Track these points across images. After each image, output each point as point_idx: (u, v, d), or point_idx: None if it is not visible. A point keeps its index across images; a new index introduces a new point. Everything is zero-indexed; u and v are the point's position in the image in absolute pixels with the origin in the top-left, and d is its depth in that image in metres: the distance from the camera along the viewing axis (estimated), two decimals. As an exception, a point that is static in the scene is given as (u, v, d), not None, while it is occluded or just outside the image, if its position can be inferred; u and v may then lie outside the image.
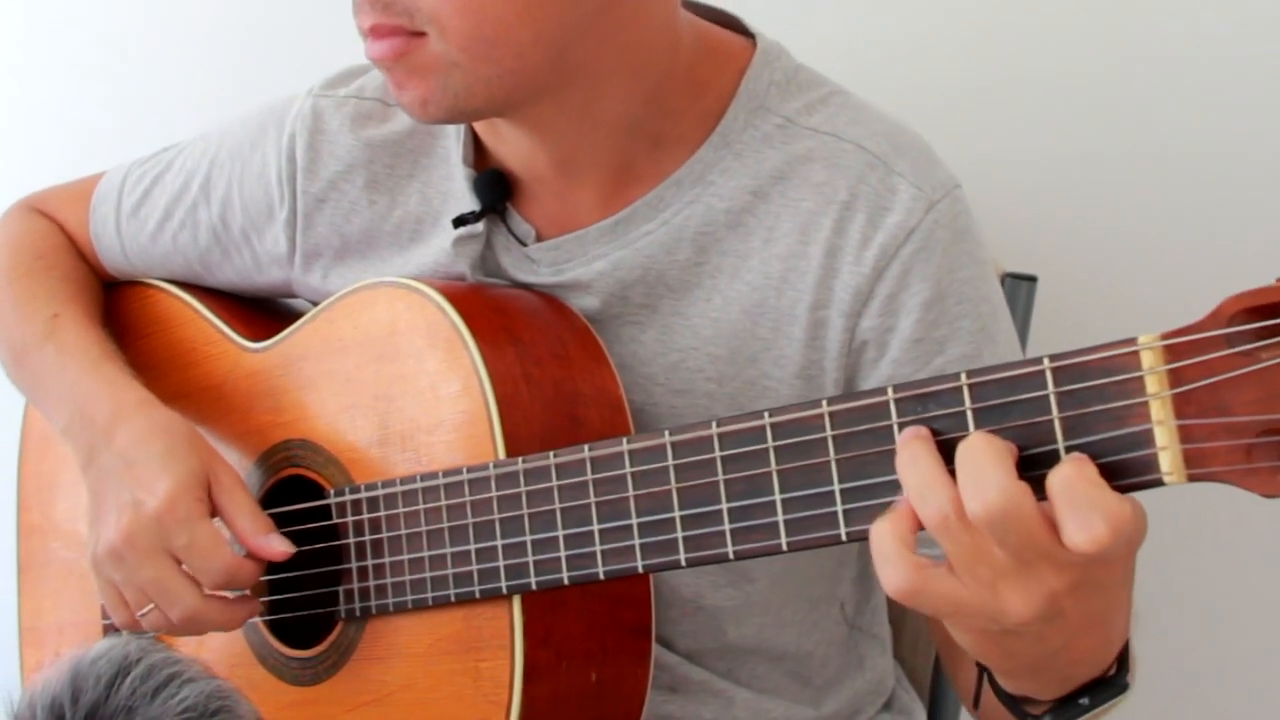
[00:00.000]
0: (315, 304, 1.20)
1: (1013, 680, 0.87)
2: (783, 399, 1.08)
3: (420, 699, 1.07)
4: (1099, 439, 0.75)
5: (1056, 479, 0.74)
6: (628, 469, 0.94)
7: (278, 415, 1.18)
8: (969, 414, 0.78)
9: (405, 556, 1.07)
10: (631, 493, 0.94)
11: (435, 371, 1.07)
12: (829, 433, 0.83)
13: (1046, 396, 0.76)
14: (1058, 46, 1.50)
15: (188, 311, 1.28)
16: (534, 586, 1.00)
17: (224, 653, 1.19)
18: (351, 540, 1.10)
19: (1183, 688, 1.53)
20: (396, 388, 1.09)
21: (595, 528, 0.96)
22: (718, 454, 0.89)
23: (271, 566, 1.14)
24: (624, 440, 0.94)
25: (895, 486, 0.79)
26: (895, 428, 0.81)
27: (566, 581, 0.98)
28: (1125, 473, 0.74)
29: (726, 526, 0.89)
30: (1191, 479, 0.73)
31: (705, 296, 1.10)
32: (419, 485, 1.06)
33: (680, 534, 0.91)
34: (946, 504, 0.76)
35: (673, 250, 1.10)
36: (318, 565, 1.13)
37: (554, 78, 1.03)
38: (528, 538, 0.99)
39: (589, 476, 0.96)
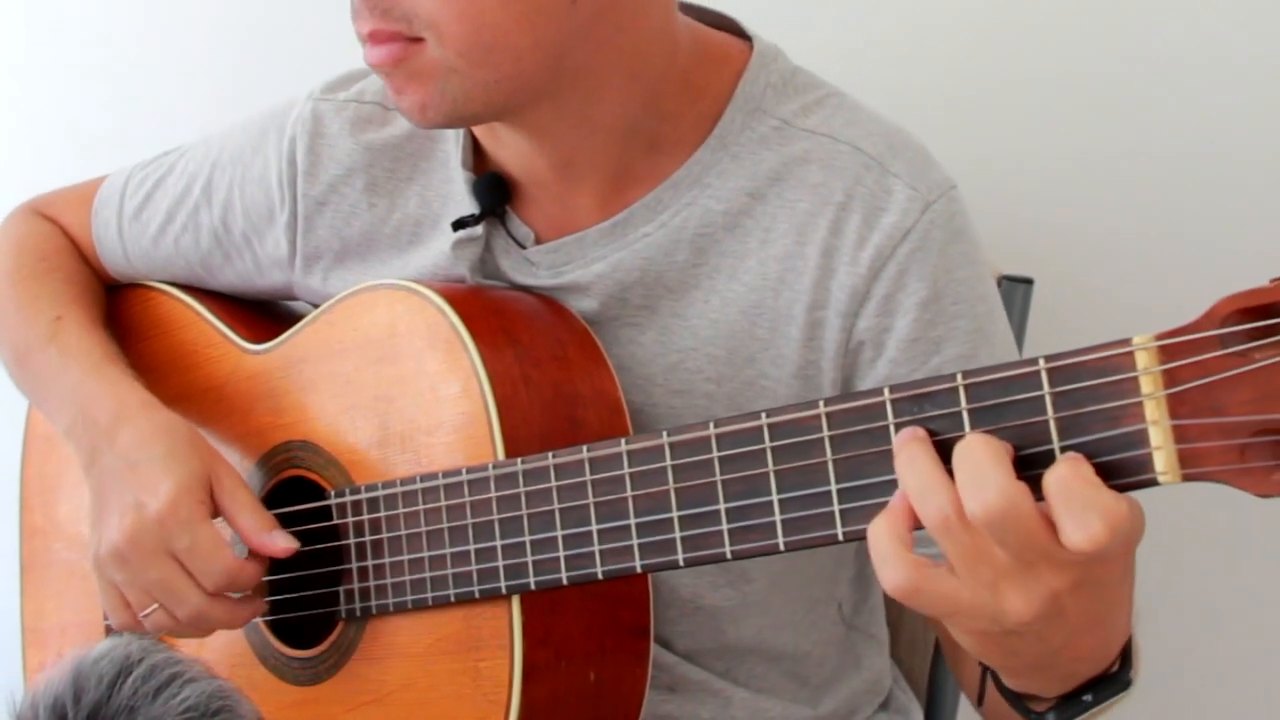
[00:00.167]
0: (316, 306, 1.20)
1: (1015, 678, 0.87)
2: (781, 399, 1.08)
3: (420, 699, 1.07)
4: (1094, 439, 0.75)
5: (1053, 479, 0.74)
6: (626, 469, 0.94)
7: (278, 417, 1.18)
8: (965, 414, 0.78)
9: (405, 557, 1.07)
10: (630, 493, 0.94)
11: (435, 373, 1.07)
12: (826, 433, 0.84)
13: (1042, 397, 0.76)
14: (1054, 49, 1.50)
15: (189, 314, 1.28)
16: (533, 586, 1.00)
17: (225, 653, 1.19)
18: (352, 541, 1.11)
19: (1182, 687, 1.53)
20: (396, 389, 1.10)
21: (594, 528, 0.96)
22: (715, 454, 0.89)
23: (273, 567, 1.14)
24: (622, 441, 0.94)
25: (892, 486, 0.79)
26: (892, 428, 0.81)
27: (565, 581, 0.98)
28: (1120, 472, 0.74)
29: (724, 527, 0.89)
30: (1186, 479, 0.73)
31: (703, 298, 1.10)
32: (419, 486, 1.06)
33: (678, 534, 0.91)
34: (947, 505, 0.76)
35: (671, 252, 1.10)
36: (318, 566, 1.13)
37: (552, 82, 1.03)
38: (527, 538, 1.00)
39: (587, 477, 0.96)
